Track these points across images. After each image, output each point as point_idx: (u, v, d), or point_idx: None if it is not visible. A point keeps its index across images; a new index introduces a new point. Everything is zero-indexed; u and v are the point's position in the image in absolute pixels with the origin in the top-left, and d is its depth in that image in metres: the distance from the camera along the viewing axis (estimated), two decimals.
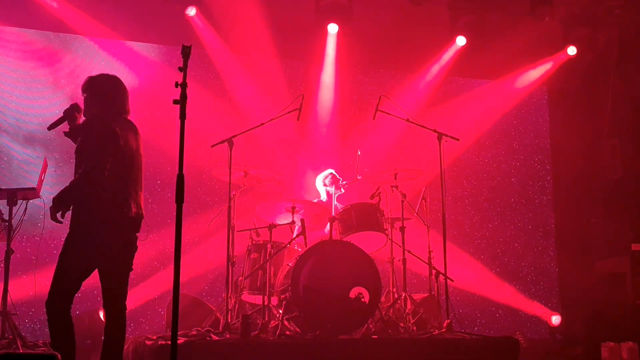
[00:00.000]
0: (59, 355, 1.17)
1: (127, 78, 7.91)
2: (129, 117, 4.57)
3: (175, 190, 2.93)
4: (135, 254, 4.52)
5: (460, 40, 8.89)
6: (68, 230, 4.38)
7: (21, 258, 6.72)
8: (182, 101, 2.96)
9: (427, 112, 8.49)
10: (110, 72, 4.57)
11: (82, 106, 4.53)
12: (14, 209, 5.71)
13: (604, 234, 8.99)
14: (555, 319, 8.78)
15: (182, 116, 2.98)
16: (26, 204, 5.75)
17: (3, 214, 5.80)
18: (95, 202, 4.28)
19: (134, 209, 4.40)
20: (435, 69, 9.07)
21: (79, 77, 7.69)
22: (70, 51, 7.97)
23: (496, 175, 9.43)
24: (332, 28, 8.54)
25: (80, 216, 4.34)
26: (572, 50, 9.18)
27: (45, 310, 4.26)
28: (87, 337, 5.96)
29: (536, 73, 9.44)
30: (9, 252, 5.69)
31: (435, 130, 6.37)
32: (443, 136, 6.34)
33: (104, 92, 4.50)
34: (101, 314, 6.72)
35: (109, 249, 4.34)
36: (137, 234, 4.53)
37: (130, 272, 4.50)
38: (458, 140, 6.42)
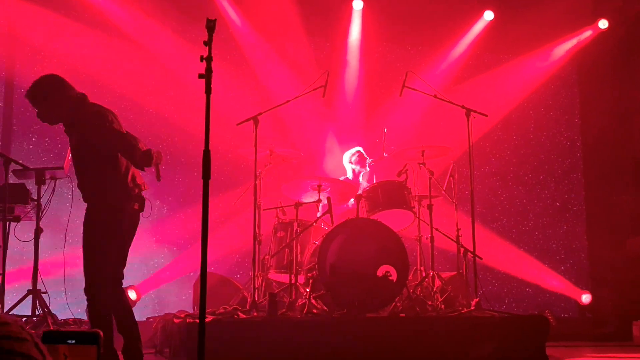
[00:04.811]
0: (102, 333, 1.16)
1: (150, 56, 7.91)
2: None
3: (202, 166, 2.90)
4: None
5: (488, 15, 8.74)
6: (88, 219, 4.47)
7: (50, 237, 6.78)
8: (207, 75, 2.93)
9: (454, 88, 8.37)
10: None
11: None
12: (43, 188, 5.77)
13: (634, 211, 8.82)
14: (586, 298, 8.66)
15: (208, 90, 2.95)
16: (54, 183, 5.79)
17: (32, 194, 5.84)
18: (109, 184, 4.40)
19: (137, 188, 4.49)
20: (463, 44, 8.93)
21: (98, 55, 7.71)
22: (90, 28, 7.91)
23: (524, 152, 9.28)
24: (357, 4, 8.45)
25: (98, 204, 4.44)
26: (603, 24, 8.97)
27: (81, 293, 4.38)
28: None
29: (566, 47, 9.24)
30: (38, 231, 5.75)
31: (463, 106, 6.25)
32: (471, 112, 6.23)
33: (57, 92, 4.44)
34: (130, 293, 6.79)
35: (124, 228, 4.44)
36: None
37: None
38: (487, 116, 6.31)
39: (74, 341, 1.17)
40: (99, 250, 4.37)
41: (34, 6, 7.70)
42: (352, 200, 6.27)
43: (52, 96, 4.37)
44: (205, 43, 2.99)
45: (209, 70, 2.94)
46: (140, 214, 4.55)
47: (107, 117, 4.38)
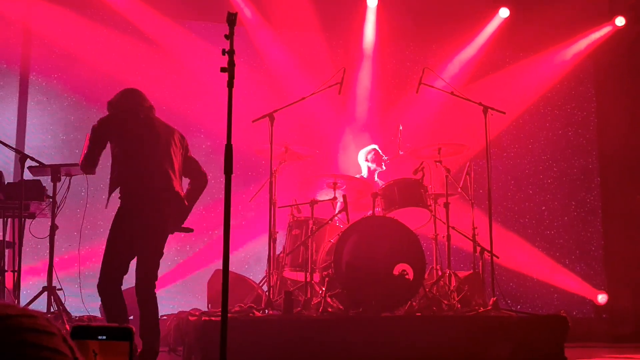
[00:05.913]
0: (134, 328, 1.13)
1: (163, 55, 7.90)
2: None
3: (224, 160, 2.86)
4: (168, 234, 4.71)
5: (504, 12, 8.67)
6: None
7: (65, 234, 6.77)
8: (230, 68, 2.90)
9: (469, 86, 8.30)
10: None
11: None
12: (58, 184, 5.75)
13: None
14: (602, 298, 8.57)
15: (230, 84, 2.91)
16: (69, 180, 5.78)
17: (47, 190, 5.84)
18: (117, 184, 4.59)
19: (143, 190, 4.60)
20: (478, 41, 8.85)
21: (112, 54, 7.71)
22: (106, 28, 7.90)
23: (540, 150, 9.20)
24: (372, 1, 8.40)
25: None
26: (620, 21, 8.87)
27: (96, 290, 4.45)
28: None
29: (582, 45, 9.13)
30: (53, 228, 5.74)
31: (480, 104, 6.19)
32: (489, 109, 6.16)
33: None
34: None
35: (139, 228, 4.54)
36: (167, 213, 4.65)
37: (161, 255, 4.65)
38: (504, 113, 6.24)
39: (105, 337, 1.12)
40: (106, 248, 4.55)
41: (49, 3, 7.69)
42: None
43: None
44: (227, 37, 2.96)
45: (231, 63, 2.90)
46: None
47: (127, 120, 4.64)
